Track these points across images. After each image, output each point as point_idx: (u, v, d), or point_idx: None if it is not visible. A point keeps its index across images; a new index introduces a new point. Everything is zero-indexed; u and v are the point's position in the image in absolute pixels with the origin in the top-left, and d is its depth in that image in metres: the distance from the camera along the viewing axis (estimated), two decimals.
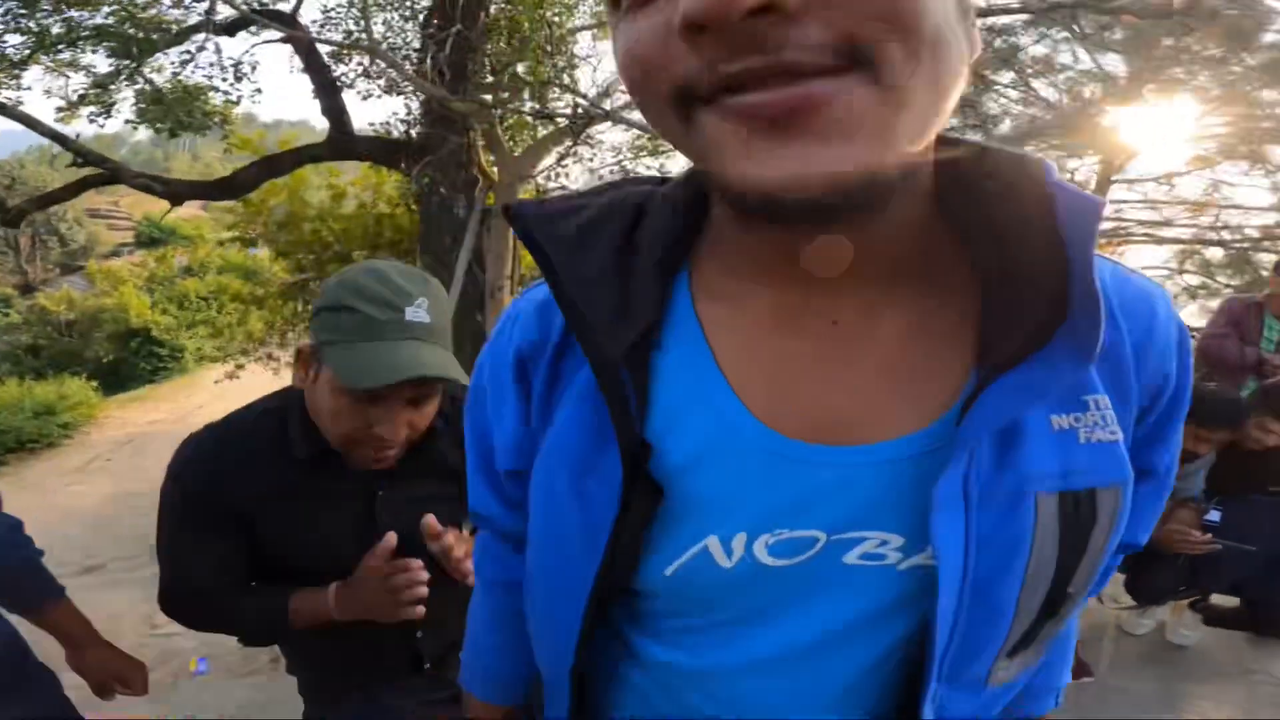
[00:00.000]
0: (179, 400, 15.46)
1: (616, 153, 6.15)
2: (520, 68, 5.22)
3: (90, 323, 18.65)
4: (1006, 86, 5.66)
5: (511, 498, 0.57)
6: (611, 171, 5.74)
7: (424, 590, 1.01)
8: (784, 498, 0.43)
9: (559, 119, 4.93)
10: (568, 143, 5.78)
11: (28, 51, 5.52)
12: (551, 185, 6.25)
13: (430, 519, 0.99)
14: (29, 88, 9.15)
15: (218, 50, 6.09)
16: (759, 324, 0.45)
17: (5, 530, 1.11)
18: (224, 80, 6.11)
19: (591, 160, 6.41)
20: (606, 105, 4.83)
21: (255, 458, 1.02)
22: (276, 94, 6.62)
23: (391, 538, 1.01)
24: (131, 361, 17.71)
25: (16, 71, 5.70)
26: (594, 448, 0.46)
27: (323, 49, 5.96)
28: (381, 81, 6.21)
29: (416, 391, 0.96)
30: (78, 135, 6.20)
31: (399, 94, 6.28)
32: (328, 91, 6.17)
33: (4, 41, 5.41)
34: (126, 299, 18.62)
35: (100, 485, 10.40)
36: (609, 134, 6.20)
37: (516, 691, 0.66)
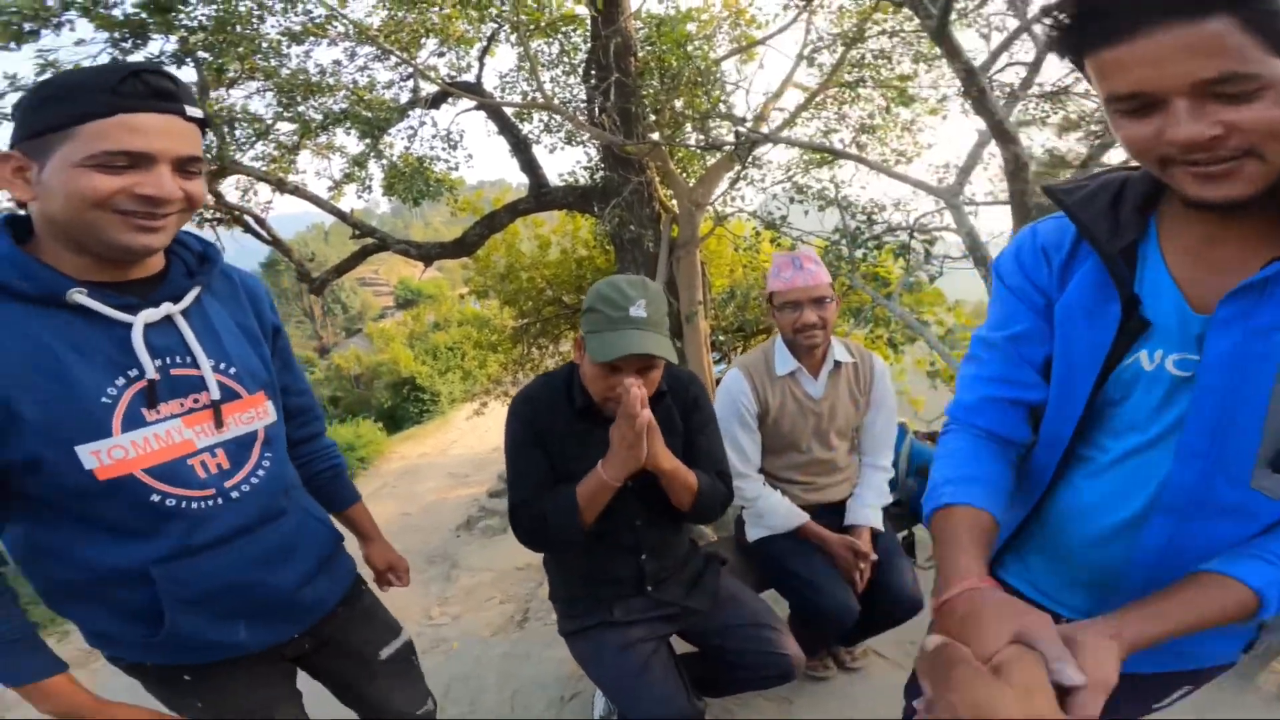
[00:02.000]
0: (439, 436, 18.18)
1: (786, 169, 6.11)
2: (678, 103, 5.48)
3: (372, 375, 22.71)
4: None
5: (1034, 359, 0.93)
6: (784, 189, 5.72)
7: (642, 407, 1.36)
8: (1185, 335, 0.79)
9: (724, 146, 5.07)
10: (737, 168, 5.89)
11: (296, 138, 6.82)
12: (728, 210, 6.39)
13: (635, 392, 1.33)
14: (304, 171, 11.35)
15: (434, 123, 7.17)
16: (1189, 248, 0.81)
17: (324, 446, 1.44)
18: (442, 149, 7.17)
19: (763, 180, 6.45)
20: (764, 129, 4.87)
21: (553, 402, 1.52)
22: (475, 159, 7.57)
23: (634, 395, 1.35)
24: (404, 406, 21.21)
25: (291, 157, 7.08)
26: (1101, 300, 0.84)
27: (508, 111, 6.71)
28: (561, 134, 6.85)
29: (641, 363, 1.38)
30: (351, 210, 7.65)
31: (578, 143, 6.88)
32: (521, 149, 6.95)
33: (278, 130, 6.71)
34: (397, 354, 22.47)
35: (387, 507, 12.59)
36: (775, 154, 6.20)
37: (995, 501, 0.90)
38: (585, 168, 7.29)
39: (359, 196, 7.37)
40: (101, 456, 0.93)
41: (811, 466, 2.03)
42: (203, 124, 0.98)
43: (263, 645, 1.13)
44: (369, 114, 6.03)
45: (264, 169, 7.03)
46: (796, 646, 1.66)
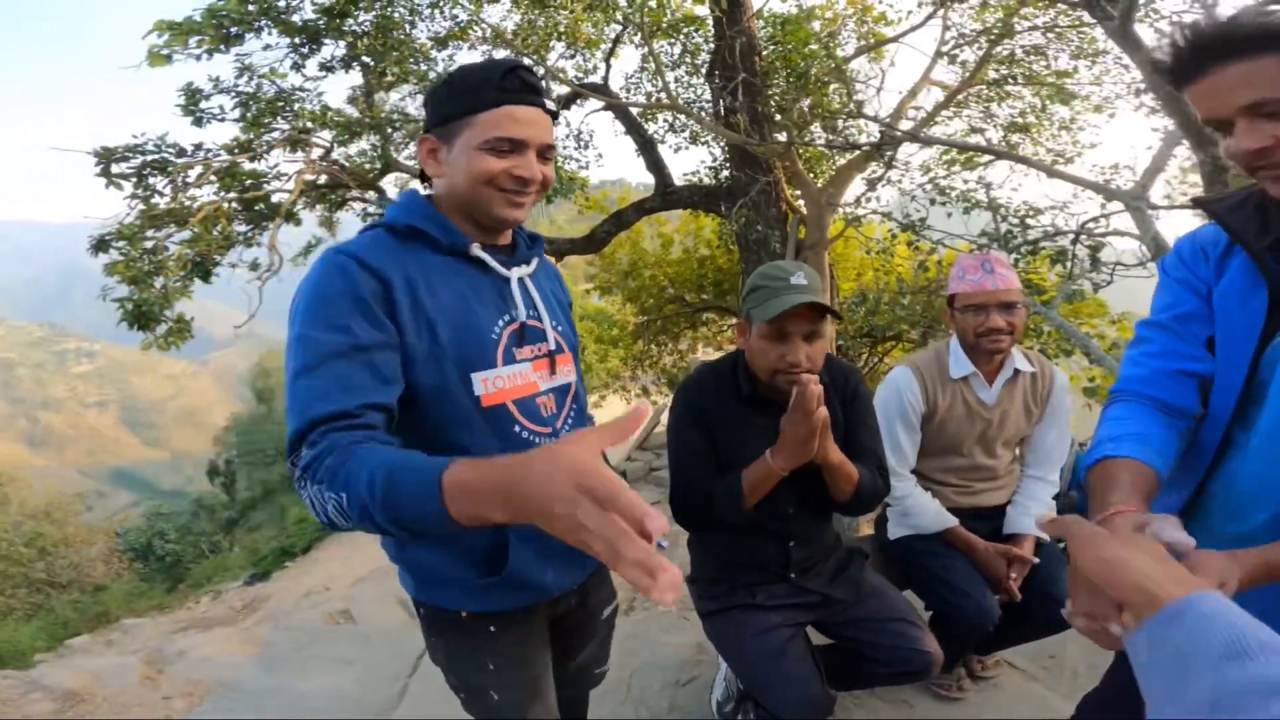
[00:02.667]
0: None
1: (926, 170, 5.70)
2: (805, 103, 5.29)
3: None
4: None
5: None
6: (924, 189, 5.36)
7: (819, 405, 1.39)
8: None
9: (862, 146, 4.84)
10: (872, 168, 5.60)
11: None
12: (861, 211, 6.10)
13: (813, 389, 1.36)
14: None
15: (567, 124, 7.39)
16: None
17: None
18: (574, 148, 7.41)
19: (900, 181, 6.08)
20: (903, 126, 4.58)
21: (719, 389, 1.57)
22: (603, 157, 7.74)
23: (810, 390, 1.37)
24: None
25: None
26: (1251, 287, 0.92)
27: (634, 111, 6.79)
28: (686, 134, 6.84)
29: (809, 327, 1.43)
30: None
31: (702, 143, 6.85)
32: (647, 148, 7.04)
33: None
34: None
35: None
36: (911, 153, 5.83)
37: (1158, 459, 0.95)
38: (710, 167, 7.26)
39: None
40: (488, 384, 1.08)
41: (971, 471, 1.96)
42: (554, 115, 1.15)
43: (561, 588, 1.22)
44: None
45: (418, 167, 7.54)
46: (936, 645, 1.62)
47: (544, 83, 1.13)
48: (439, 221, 1.09)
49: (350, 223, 7.94)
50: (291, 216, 6.84)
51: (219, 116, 5.65)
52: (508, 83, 1.05)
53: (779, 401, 1.48)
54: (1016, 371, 1.90)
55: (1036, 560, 1.83)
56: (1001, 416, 1.91)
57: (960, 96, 6.17)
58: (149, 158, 5.47)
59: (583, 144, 7.36)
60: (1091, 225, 4.46)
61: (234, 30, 5.00)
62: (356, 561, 7.66)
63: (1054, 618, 1.78)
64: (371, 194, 7.60)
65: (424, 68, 6.50)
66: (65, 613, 9.69)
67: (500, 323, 1.12)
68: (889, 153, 4.88)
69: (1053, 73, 5.78)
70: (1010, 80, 5.96)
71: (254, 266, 6.61)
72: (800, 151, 5.70)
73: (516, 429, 1.11)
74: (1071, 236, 4.30)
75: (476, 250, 1.10)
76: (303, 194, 6.81)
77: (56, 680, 3.59)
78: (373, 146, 6.92)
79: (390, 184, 7.73)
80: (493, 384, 1.08)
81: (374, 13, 5.85)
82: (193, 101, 5.45)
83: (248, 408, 34.07)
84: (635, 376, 12.29)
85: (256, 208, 6.34)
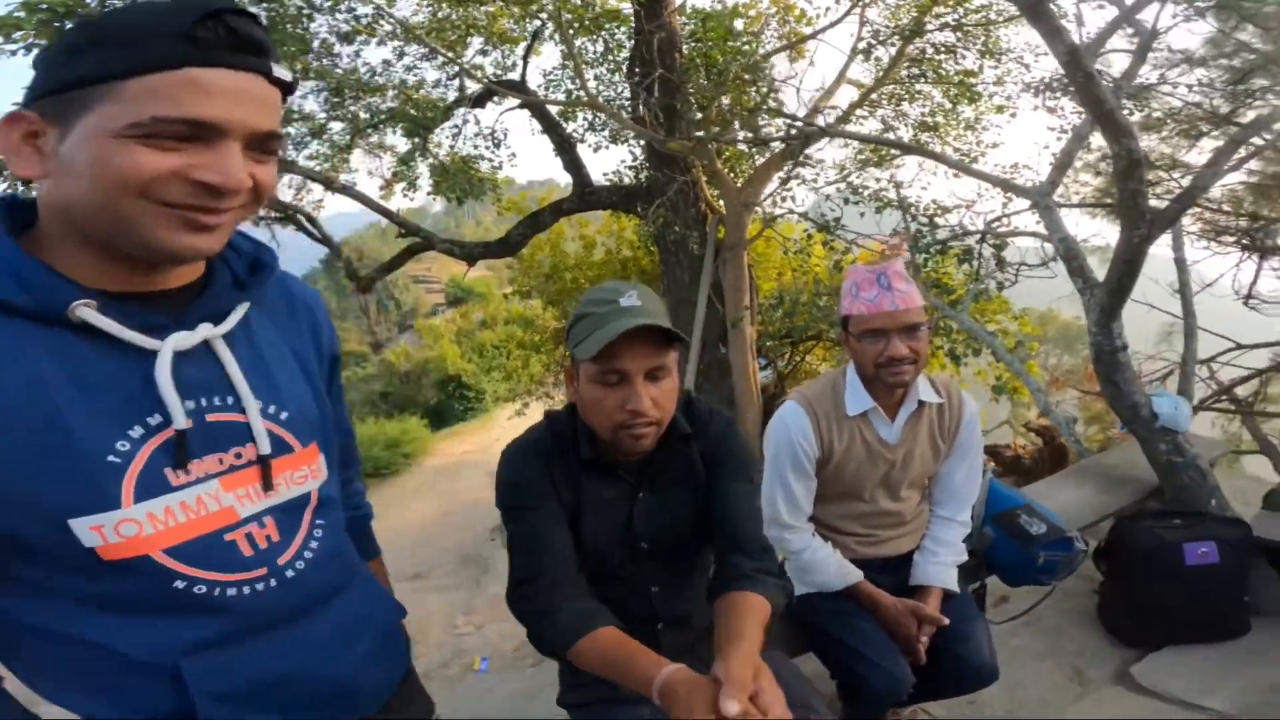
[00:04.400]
0: (482, 435, 18.30)
1: (840, 169, 5.77)
2: (725, 100, 5.25)
3: (420, 372, 23.10)
4: None
5: None
6: (839, 189, 5.42)
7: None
8: None
9: (774, 143, 4.82)
10: (789, 166, 5.62)
11: (348, 137, 6.92)
12: (778, 211, 6.12)
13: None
14: (356, 170, 11.70)
15: (477, 122, 7.13)
16: None
17: (356, 493, 1.16)
18: (486, 148, 7.12)
19: (815, 180, 6.15)
20: (820, 122, 4.59)
21: (550, 455, 1.23)
22: (523, 158, 7.55)
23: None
24: (449, 403, 21.47)
25: (344, 156, 7.15)
26: None
27: (552, 109, 6.62)
28: (606, 133, 6.71)
29: (652, 362, 1.12)
30: (399, 210, 7.71)
31: (623, 143, 6.73)
32: (565, 148, 6.86)
33: (331, 129, 6.80)
34: (444, 351, 22.75)
35: (427, 505, 12.69)
36: (828, 152, 5.92)
37: None
38: (630, 167, 7.14)
39: (405, 195, 7.40)
40: (106, 533, 0.69)
41: (874, 518, 1.72)
42: (287, 89, 0.73)
43: None
44: (415, 113, 6.02)
45: (317, 168, 7.13)
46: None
47: (257, 42, 0.69)
48: (11, 264, 0.66)
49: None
50: None
51: None
52: (202, 32, 0.64)
53: (616, 460, 1.20)
54: (921, 403, 1.65)
55: (945, 621, 1.60)
56: (906, 456, 1.66)
57: (874, 95, 6.26)
58: None
59: (495, 143, 7.07)
60: (996, 224, 4.61)
61: (66, 24, 4.46)
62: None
63: (966, 677, 1.61)
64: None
65: (327, 63, 6.10)
66: None
67: (133, 433, 0.70)
68: (802, 150, 4.87)
69: (960, 71, 5.97)
70: (921, 78, 6.11)
71: None
72: (720, 150, 5.65)
73: (182, 584, 0.74)
74: (978, 236, 4.42)
75: (83, 313, 0.67)
76: None
77: None
78: None
79: (285, 186, 7.27)
80: (115, 531, 0.69)
81: (263, 5, 5.39)
82: None
83: None
84: (558, 382, 12.11)
85: None
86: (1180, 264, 3.27)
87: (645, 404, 1.10)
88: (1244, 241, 3.86)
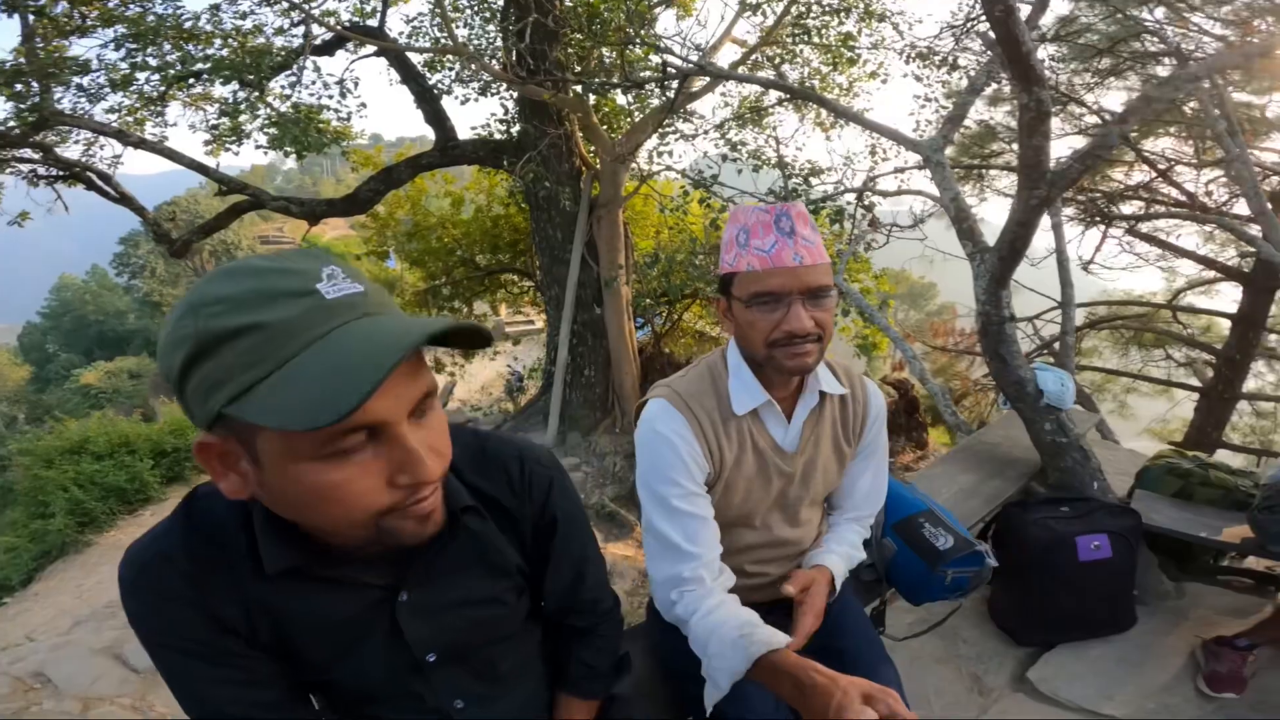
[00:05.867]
0: None
1: (720, 127, 5.49)
2: (606, 52, 4.82)
3: None
4: (1160, 23, 4.34)
5: None
6: (716, 145, 5.19)
7: None
8: None
9: (651, 84, 4.45)
10: (666, 120, 5.30)
11: (163, 88, 5.96)
12: (655, 167, 5.82)
13: None
14: (174, 124, 10.22)
15: (317, 69, 6.23)
16: None
17: None
18: (331, 99, 6.30)
19: (694, 136, 5.87)
20: (698, 86, 4.29)
21: (205, 573, 0.70)
22: (396, 113, 6.75)
23: None
24: None
25: (157, 107, 6.18)
26: None
27: (416, 59, 5.91)
28: (475, 85, 6.09)
29: (417, 392, 0.63)
30: (218, 165, 6.68)
31: (493, 95, 6.13)
32: (426, 99, 6.16)
33: (137, 79, 5.82)
34: None
35: None
36: (706, 109, 5.65)
37: None
38: (500, 120, 6.53)
39: (229, 150, 6.34)
40: None
41: (763, 550, 1.32)
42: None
43: None
44: (247, 61, 5.10)
45: (120, 122, 6.08)
46: None
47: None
48: None
49: (15, 188, 6.15)
50: None
51: None
52: None
53: (358, 561, 0.75)
54: (823, 396, 1.25)
55: (823, 596, 1.22)
56: (806, 467, 1.27)
57: (756, 57, 6.00)
58: None
59: (343, 93, 6.19)
60: (872, 183, 4.58)
61: None
62: (87, 593, 6.24)
63: None
64: (30, 152, 5.88)
65: (135, 10, 5.32)
66: None
67: None
68: (679, 94, 4.53)
69: (841, 36, 5.83)
70: (803, 38, 5.91)
71: None
72: (598, 105, 5.19)
73: None
74: (855, 194, 4.37)
75: None
76: None
77: None
78: (20, 98, 5.34)
79: (78, 142, 6.13)
80: None
81: None
82: None
83: None
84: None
85: None
86: (1058, 230, 3.25)
87: (430, 464, 0.64)
88: (1092, 212, 4.05)
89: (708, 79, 4.82)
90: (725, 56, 6.40)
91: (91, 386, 21.60)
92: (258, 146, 6.54)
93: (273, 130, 6.01)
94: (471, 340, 0.62)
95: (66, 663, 3.74)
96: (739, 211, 1.13)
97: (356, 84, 6.25)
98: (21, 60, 5.38)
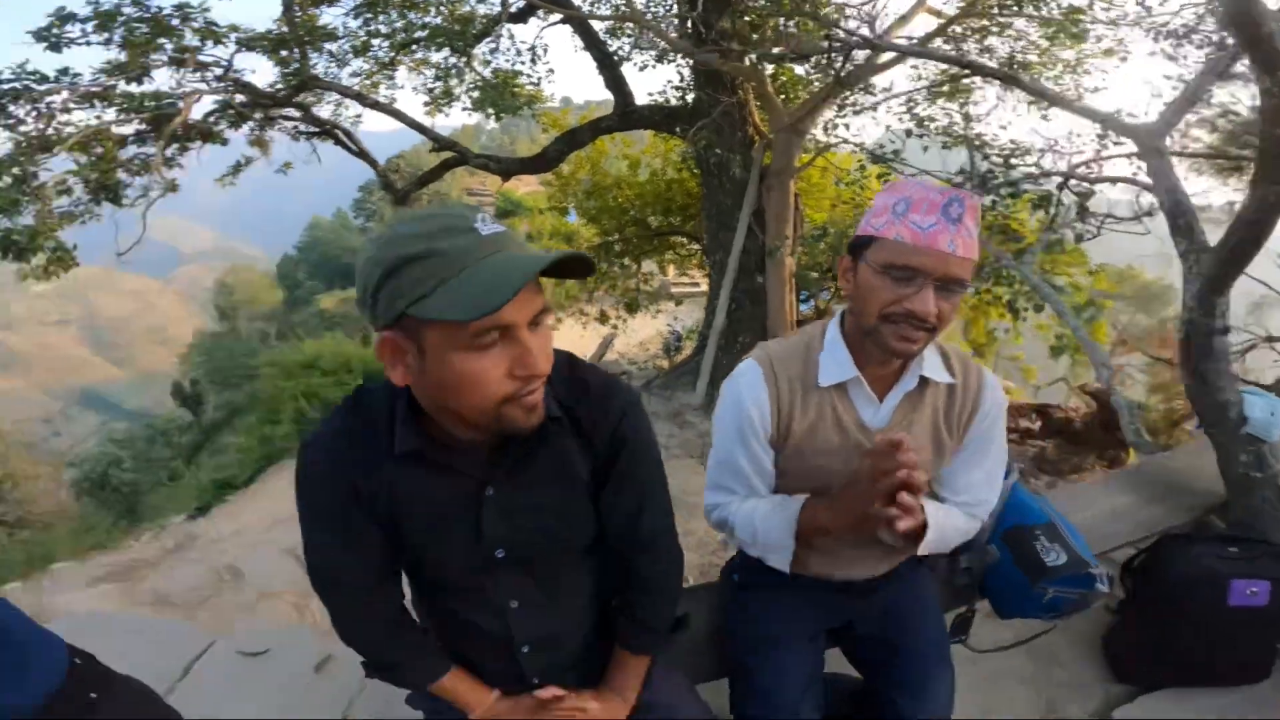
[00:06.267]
0: None
1: (907, 101, 4.98)
2: (786, 24, 4.66)
3: None
4: None
5: None
6: (900, 119, 4.84)
7: None
8: None
9: (815, 56, 4.24)
10: (844, 93, 5.03)
11: (392, 54, 6.81)
12: (832, 140, 5.58)
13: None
14: (402, 86, 11.54)
15: (511, 36, 6.75)
16: None
17: None
18: (524, 64, 6.83)
19: (874, 110, 5.48)
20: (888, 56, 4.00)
21: (358, 450, 0.93)
22: (583, 78, 7.18)
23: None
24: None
25: (388, 72, 7.09)
26: None
27: (598, 26, 6.16)
28: (653, 52, 6.22)
29: (536, 308, 0.82)
30: (433, 125, 7.58)
31: (670, 62, 6.23)
32: (607, 66, 6.44)
33: (373, 45, 6.72)
34: None
35: None
36: (896, 82, 5.22)
37: None
38: (676, 87, 6.65)
39: (441, 112, 7.16)
40: None
41: None
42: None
43: None
44: (456, 28, 5.71)
45: (361, 84, 7.02)
46: None
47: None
48: None
49: (282, 142, 7.39)
50: (211, 136, 6.35)
51: (82, 41, 5.14)
52: None
53: (454, 449, 0.92)
54: (924, 381, 1.21)
55: (912, 456, 1.02)
56: None
57: (956, 28, 5.30)
58: (4, 86, 4.98)
59: (534, 59, 6.70)
60: (1085, 170, 4.05)
61: None
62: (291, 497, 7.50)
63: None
64: (294, 112, 7.00)
65: None
66: (13, 554, 9.33)
67: None
68: (845, 67, 4.28)
69: (1065, 9, 5.01)
70: (1013, 7, 5.18)
71: (173, 188, 6.29)
72: (776, 74, 5.06)
73: None
74: (1059, 181, 3.90)
75: None
76: (216, 114, 6.34)
77: None
78: (285, 63, 6.32)
79: (325, 106, 7.23)
80: None
81: None
82: (50, 29, 5.00)
83: (214, 325, 33.14)
84: (592, 298, 12.05)
85: (168, 129, 5.77)
86: None
87: (541, 362, 0.82)
88: None
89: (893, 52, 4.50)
90: (919, 28, 5.84)
91: (328, 311, 25.49)
92: (464, 109, 7.28)
93: (476, 94, 6.65)
94: (581, 268, 0.83)
95: (256, 559, 4.56)
96: (904, 183, 1.12)
97: (545, 50, 6.70)
98: (284, 29, 6.37)
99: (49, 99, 5.04)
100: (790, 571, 1.25)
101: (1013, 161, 4.13)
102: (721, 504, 1.28)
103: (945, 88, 5.24)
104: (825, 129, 5.60)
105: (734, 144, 5.98)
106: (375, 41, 6.69)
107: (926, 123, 4.66)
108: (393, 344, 0.82)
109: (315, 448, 0.94)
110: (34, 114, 5.02)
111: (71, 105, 5.17)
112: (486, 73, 7.00)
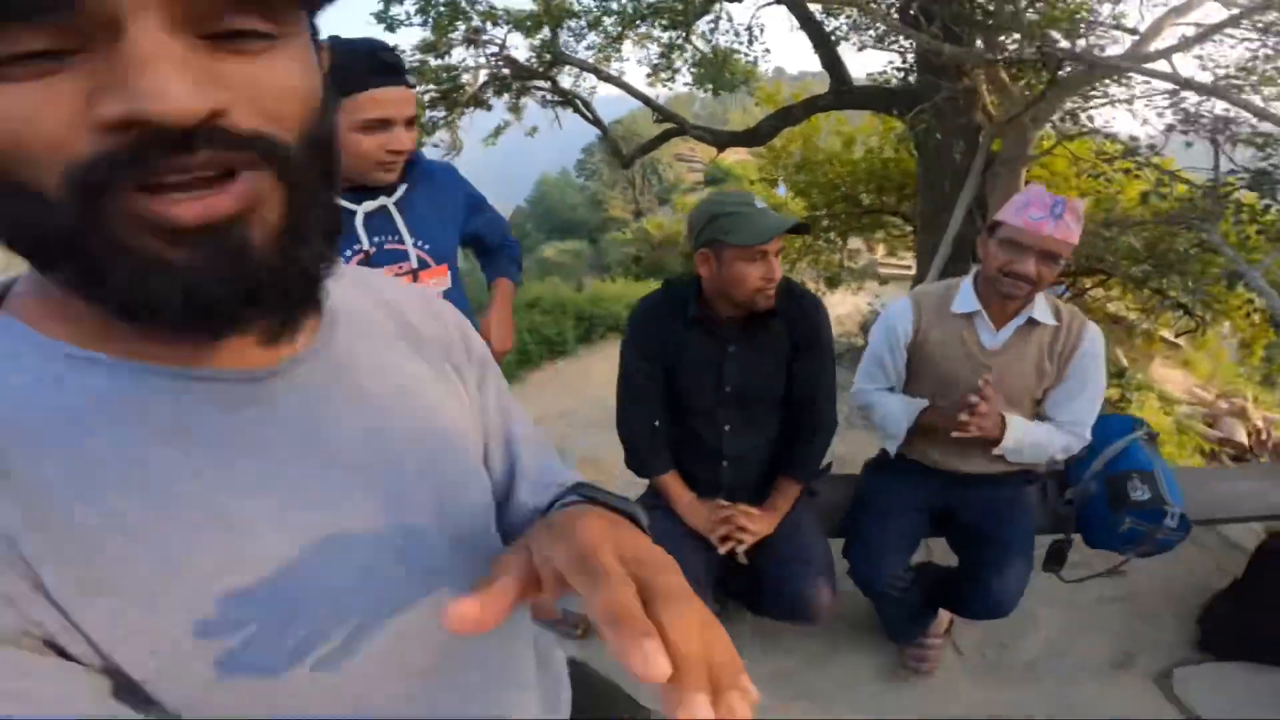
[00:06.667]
0: None
1: (1171, 96, 4.25)
2: (1025, 7, 4.29)
3: (670, 242, 24.13)
4: None
5: None
6: (1160, 114, 4.28)
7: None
8: None
9: (1029, 63, 3.91)
10: (1088, 89, 4.53)
11: (619, 29, 7.41)
12: (1074, 130, 5.07)
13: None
14: (627, 59, 12.16)
15: (729, 17, 7.08)
16: None
17: (509, 244, 1.81)
18: (740, 43, 7.12)
19: (1129, 104, 4.83)
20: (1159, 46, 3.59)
21: (670, 313, 1.67)
22: (798, 51, 7.23)
23: None
24: (690, 272, 22.36)
25: (615, 45, 7.70)
26: None
27: (815, 7, 6.12)
28: (871, 33, 6.03)
29: (777, 247, 1.53)
30: (658, 96, 8.10)
31: (891, 46, 6.01)
32: (824, 45, 6.37)
33: (604, 22, 7.35)
34: None
35: None
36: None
37: None
38: (897, 69, 6.41)
39: (665, 85, 7.62)
40: None
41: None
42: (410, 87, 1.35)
43: None
44: (678, 5, 6.08)
45: (594, 57, 7.70)
46: (828, 595, 1.65)
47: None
48: None
49: (533, 109, 8.36)
50: (481, 103, 7.51)
51: (406, 22, 6.31)
52: (371, 65, 1.24)
53: (719, 323, 1.64)
54: (1034, 321, 1.68)
55: (992, 394, 1.62)
56: (1005, 366, 1.69)
57: (1256, 19, 4.29)
58: None
59: (751, 38, 6.86)
60: None
61: None
62: None
63: (979, 600, 1.73)
64: (544, 83, 7.86)
65: None
66: None
67: (345, 254, 1.31)
68: (1055, 72, 3.91)
69: None
70: None
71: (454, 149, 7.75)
72: (1009, 61, 4.71)
73: None
74: None
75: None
76: (487, 84, 7.48)
77: None
78: (543, 41, 7.14)
79: (565, 77, 8.00)
80: None
81: None
82: (386, 11, 6.19)
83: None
84: (794, 270, 12.03)
85: (451, 96, 7.00)
86: None
87: (777, 274, 1.54)
88: None
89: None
90: (1210, 14, 4.88)
91: (549, 259, 27.91)
92: (685, 84, 7.67)
93: (696, 70, 6.99)
94: (804, 229, 1.58)
95: None
96: (1031, 189, 1.62)
97: (762, 29, 6.81)
98: (539, 10, 7.19)
99: None
100: (913, 459, 1.81)
101: None
102: (866, 390, 1.85)
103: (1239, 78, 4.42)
104: (1066, 118, 5.10)
105: (956, 129, 5.70)
106: (606, 19, 7.33)
107: (1197, 119, 3.99)
108: (704, 256, 1.56)
109: (639, 311, 1.71)
110: None
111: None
112: (706, 49, 7.29)
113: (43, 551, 0.34)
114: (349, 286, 0.53)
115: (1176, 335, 9.18)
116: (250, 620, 0.39)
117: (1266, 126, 3.53)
